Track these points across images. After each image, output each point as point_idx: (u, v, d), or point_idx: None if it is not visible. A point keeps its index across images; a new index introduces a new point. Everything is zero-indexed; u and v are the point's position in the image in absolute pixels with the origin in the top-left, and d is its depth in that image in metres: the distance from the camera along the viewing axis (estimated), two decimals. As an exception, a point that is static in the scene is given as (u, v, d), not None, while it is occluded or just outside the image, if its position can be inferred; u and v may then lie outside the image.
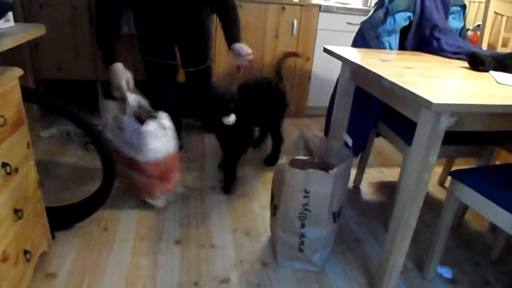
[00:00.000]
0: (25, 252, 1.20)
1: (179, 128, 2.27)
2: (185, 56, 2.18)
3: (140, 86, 2.90)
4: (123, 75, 1.66)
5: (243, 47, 1.83)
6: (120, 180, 1.85)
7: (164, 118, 1.72)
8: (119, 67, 1.66)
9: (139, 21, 2.05)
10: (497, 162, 2.29)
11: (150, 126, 1.64)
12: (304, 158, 1.63)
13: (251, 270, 1.48)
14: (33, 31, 1.22)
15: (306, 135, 1.64)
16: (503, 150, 1.86)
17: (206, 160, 2.31)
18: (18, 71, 1.14)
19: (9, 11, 1.17)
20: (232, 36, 1.86)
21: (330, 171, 1.34)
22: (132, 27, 2.47)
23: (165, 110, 2.12)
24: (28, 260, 1.22)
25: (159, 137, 1.67)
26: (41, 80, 2.65)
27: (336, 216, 1.46)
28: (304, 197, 1.37)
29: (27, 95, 1.27)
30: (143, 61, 2.16)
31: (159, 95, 2.19)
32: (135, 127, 1.64)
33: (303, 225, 1.42)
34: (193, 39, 2.11)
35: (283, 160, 1.47)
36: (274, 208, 1.53)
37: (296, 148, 1.63)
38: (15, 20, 1.22)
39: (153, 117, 1.72)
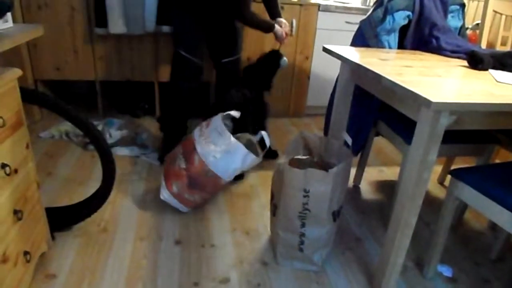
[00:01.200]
0: (25, 253, 1.20)
1: (184, 132, 2.28)
2: (222, 46, 2.27)
3: (138, 87, 2.91)
4: (282, 30, 2.19)
5: (283, 22, 2.24)
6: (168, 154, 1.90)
7: (253, 157, 1.68)
8: (277, 27, 2.16)
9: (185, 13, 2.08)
10: (497, 161, 2.30)
11: (241, 147, 1.63)
12: (304, 157, 1.63)
13: (251, 270, 1.48)
14: (32, 32, 1.21)
15: (305, 135, 1.64)
16: (503, 148, 1.86)
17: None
18: (17, 72, 1.14)
19: (8, 11, 1.17)
20: (275, 11, 2.27)
21: (329, 171, 1.34)
22: (131, 26, 2.47)
23: (177, 108, 2.18)
24: (28, 261, 1.22)
25: (234, 160, 1.63)
26: (40, 81, 2.65)
27: (336, 215, 1.46)
28: (304, 196, 1.37)
29: (27, 95, 1.27)
30: (174, 56, 2.16)
31: (176, 93, 2.19)
32: (221, 130, 1.65)
33: (303, 225, 1.42)
34: (232, 28, 2.23)
35: (282, 159, 1.47)
36: (274, 208, 1.53)
37: (296, 148, 1.63)
38: (14, 21, 1.22)
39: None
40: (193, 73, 2.17)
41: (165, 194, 1.73)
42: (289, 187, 1.39)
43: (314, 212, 1.39)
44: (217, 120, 1.68)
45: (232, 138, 1.63)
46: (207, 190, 1.72)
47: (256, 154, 1.72)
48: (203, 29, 2.11)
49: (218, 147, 1.64)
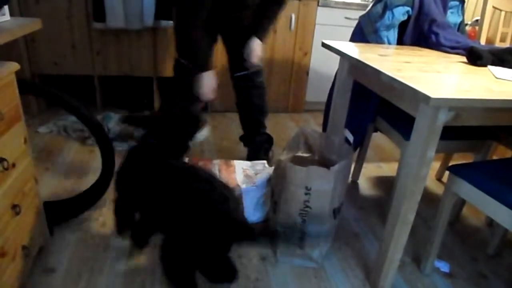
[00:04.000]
0: (23, 247, 1.20)
1: None
2: (233, 59, 2.02)
3: (136, 82, 2.90)
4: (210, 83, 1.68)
5: (254, 47, 1.84)
6: None
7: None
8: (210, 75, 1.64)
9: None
10: (495, 157, 2.30)
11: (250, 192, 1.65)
12: (305, 155, 1.62)
13: (249, 265, 1.49)
14: (30, 25, 1.21)
15: (306, 131, 1.64)
16: (501, 145, 1.86)
17: (205, 153, 2.31)
18: (15, 66, 1.13)
19: (5, 4, 1.16)
20: (256, 28, 1.86)
21: (331, 168, 1.34)
22: (130, 21, 2.46)
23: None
24: (26, 256, 1.22)
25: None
26: (38, 75, 2.63)
27: (336, 212, 1.46)
28: (305, 194, 1.37)
29: (29, 87, 1.26)
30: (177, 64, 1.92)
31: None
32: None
33: (303, 222, 1.42)
34: (241, 39, 1.94)
35: (283, 156, 1.47)
36: (274, 204, 1.53)
37: (296, 144, 1.63)
38: (11, 14, 1.21)
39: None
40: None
41: None
42: (290, 185, 1.39)
43: (315, 210, 1.39)
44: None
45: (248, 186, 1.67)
46: None
47: None
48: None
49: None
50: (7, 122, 1.10)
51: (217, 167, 1.78)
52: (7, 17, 1.18)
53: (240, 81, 2.01)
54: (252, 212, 1.65)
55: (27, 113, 2.29)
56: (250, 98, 2.06)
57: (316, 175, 1.35)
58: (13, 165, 1.14)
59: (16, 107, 1.17)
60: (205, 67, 1.82)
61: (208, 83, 1.70)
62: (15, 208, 1.14)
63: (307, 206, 1.39)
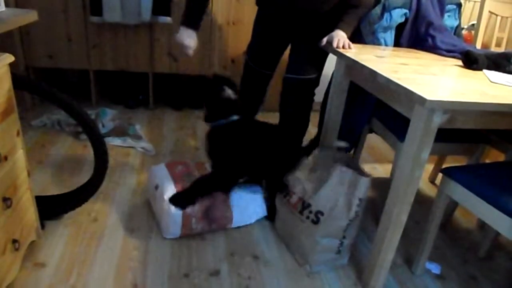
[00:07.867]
0: (14, 241, 1.19)
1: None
2: (293, 60, 1.95)
3: (132, 77, 2.88)
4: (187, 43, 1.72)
5: (334, 35, 1.66)
6: None
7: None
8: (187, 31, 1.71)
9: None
10: (487, 160, 2.32)
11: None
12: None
13: (241, 263, 1.49)
14: (25, 17, 1.19)
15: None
16: (493, 148, 1.88)
17: (201, 153, 2.30)
18: (9, 58, 1.12)
19: (0, -5, 1.15)
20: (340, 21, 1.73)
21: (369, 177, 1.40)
22: (127, 15, 2.44)
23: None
24: (16, 249, 1.21)
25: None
26: (32, 68, 2.61)
27: None
28: (358, 205, 1.42)
29: (20, 82, 1.25)
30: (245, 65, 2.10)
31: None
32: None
33: (346, 228, 1.45)
34: (310, 45, 1.85)
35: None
36: (315, 217, 1.46)
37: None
38: (6, 5, 1.19)
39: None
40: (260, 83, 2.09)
41: (174, 209, 1.52)
42: (347, 195, 1.41)
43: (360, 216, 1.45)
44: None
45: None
46: (212, 225, 1.60)
47: None
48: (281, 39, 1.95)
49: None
50: (0, 114, 1.09)
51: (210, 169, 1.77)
52: (2, 7, 1.17)
53: (290, 82, 1.93)
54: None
55: (21, 106, 2.27)
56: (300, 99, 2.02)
57: (366, 186, 1.40)
58: (5, 158, 1.13)
59: (9, 99, 1.16)
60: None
61: (185, 39, 1.71)
62: (6, 202, 1.13)
63: (357, 215, 1.44)
